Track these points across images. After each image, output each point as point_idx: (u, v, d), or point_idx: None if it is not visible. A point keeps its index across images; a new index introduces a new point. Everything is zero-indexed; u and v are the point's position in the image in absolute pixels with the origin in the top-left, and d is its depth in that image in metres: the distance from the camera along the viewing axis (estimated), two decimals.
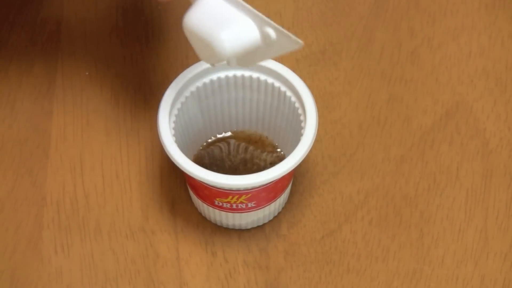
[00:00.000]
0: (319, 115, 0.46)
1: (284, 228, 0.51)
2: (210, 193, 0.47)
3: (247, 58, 0.42)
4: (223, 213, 0.48)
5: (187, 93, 0.48)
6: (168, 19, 0.59)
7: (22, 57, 0.57)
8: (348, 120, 0.55)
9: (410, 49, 0.58)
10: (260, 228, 0.51)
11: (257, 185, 0.45)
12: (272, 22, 0.40)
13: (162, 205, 0.51)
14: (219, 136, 0.52)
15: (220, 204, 0.47)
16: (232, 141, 0.52)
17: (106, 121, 0.54)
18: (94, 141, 0.54)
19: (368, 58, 0.58)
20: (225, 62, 0.46)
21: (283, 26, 0.41)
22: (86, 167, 0.53)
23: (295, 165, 0.45)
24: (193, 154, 0.52)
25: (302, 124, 0.47)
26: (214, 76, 0.48)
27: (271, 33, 0.41)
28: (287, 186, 0.49)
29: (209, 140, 0.52)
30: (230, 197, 0.46)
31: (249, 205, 0.47)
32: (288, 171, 0.45)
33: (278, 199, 0.49)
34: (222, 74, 0.49)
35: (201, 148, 0.52)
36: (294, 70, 0.48)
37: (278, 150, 0.52)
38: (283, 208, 0.51)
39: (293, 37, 0.40)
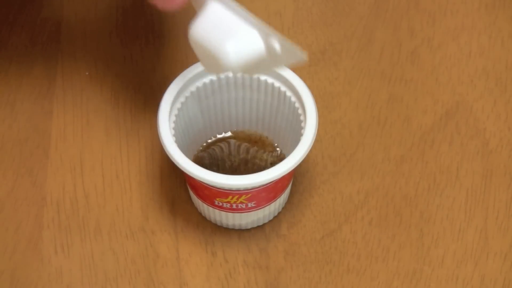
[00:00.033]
0: (319, 115, 0.46)
1: (284, 228, 0.51)
2: (210, 193, 0.47)
3: (252, 68, 0.42)
4: (223, 213, 0.48)
5: (187, 93, 0.48)
6: (168, 19, 0.59)
7: (22, 57, 0.57)
8: (348, 120, 0.55)
9: (410, 49, 0.58)
10: (260, 228, 0.51)
11: (257, 185, 0.45)
12: (277, 35, 0.40)
13: (162, 205, 0.51)
14: (219, 136, 0.52)
15: (220, 204, 0.47)
16: (233, 141, 0.52)
17: (106, 121, 0.54)
18: (94, 141, 0.54)
19: (368, 58, 0.58)
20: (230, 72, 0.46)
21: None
22: (86, 167, 0.53)
23: (295, 165, 0.45)
24: (193, 154, 0.52)
25: (302, 124, 0.47)
26: (214, 76, 0.48)
27: (276, 45, 0.40)
28: (287, 186, 0.49)
29: (209, 140, 0.52)
30: (230, 197, 0.46)
31: (249, 205, 0.47)
32: (288, 171, 0.45)
33: (278, 199, 0.49)
34: (222, 74, 0.49)
35: (201, 148, 0.52)
36: (294, 70, 0.48)
37: (278, 150, 0.52)
38: (283, 208, 0.51)
39: (298, 50, 0.40)
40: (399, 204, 0.51)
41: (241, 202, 0.47)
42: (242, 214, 0.48)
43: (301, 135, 0.46)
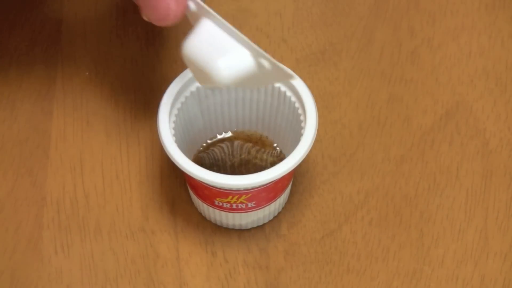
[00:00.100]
0: (319, 115, 0.46)
1: (284, 228, 0.51)
2: (210, 193, 0.47)
3: (244, 83, 0.43)
4: (223, 213, 0.48)
5: (187, 93, 0.48)
6: None
7: (22, 58, 0.57)
8: (348, 120, 0.55)
9: (410, 49, 0.58)
10: (260, 228, 0.51)
11: (257, 185, 0.45)
12: (266, 55, 0.41)
13: (162, 205, 0.51)
14: (219, 136, 0.52)
15: (220, 204, 0.47)
16: (236, 142, 0.52)
17: (106, 121, 0.54)
18: (94, 141, 0.54)
19: (368, 58, 0.58)
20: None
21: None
22: (86, 167, 0.53)
23: (295, 165, 0.45)
24: (193, 154, 0.52)
25: (302, 124, 0.47)
26: None
27: (266, 64, 0.41)
28: (287, 186, 0.49)
29: (209, 141, 0.52)
30: (230, 197, 0.46)
31: (249, 205, 0.47)
32: (288, 171, 0.45)
33: (278, 199, 0.49)
34: None
35: (201, 148, 0.52)
36: (294, 70, 0.48)
37: (278, 150, 0.52)
38: (283, 208, 0.51)
39: (286, 70, 0.41)
40: (399, 204, 0.51)
41: (241, 202, 0.47)
42: (242, 214, 0.48)
43: (301, 135, 0.46)
